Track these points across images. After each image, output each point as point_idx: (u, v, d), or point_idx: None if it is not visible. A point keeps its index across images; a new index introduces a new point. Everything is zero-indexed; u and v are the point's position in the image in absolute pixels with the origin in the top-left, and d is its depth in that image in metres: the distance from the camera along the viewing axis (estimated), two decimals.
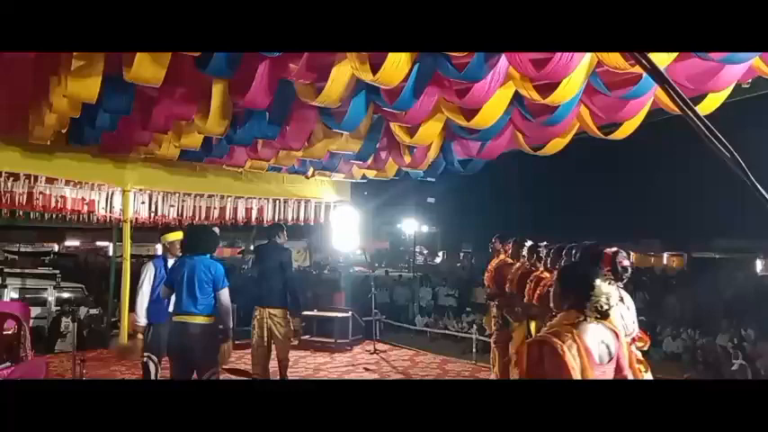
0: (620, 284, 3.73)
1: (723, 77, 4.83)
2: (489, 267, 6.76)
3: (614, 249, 3.81)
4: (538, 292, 5.06)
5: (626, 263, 3.79)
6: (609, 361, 2.57)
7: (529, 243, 5.98)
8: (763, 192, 1.33)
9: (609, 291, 2.60)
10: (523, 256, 6.00)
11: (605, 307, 2.55)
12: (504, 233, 6.87)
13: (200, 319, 4.80)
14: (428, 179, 9.59)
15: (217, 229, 6.00)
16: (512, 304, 5.87)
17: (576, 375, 2.39)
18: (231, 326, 4.97)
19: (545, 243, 5.68)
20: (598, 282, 2.59)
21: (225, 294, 4.87)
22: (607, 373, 2.56)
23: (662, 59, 4.04)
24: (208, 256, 5.01)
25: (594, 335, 2.52)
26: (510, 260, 6.42)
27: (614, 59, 4.21)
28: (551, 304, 2.78)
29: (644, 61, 1.34)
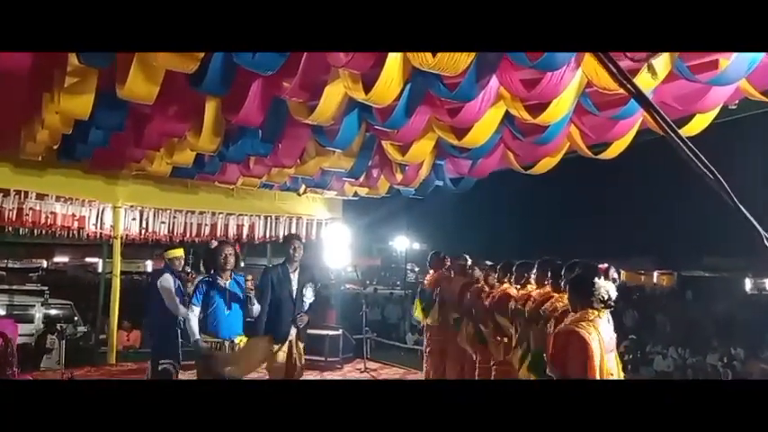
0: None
1: (710, 98, 4.90)
2: (428, 280, 7.20)
3: (606, 265, 4.21)
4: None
5: (615, 275, 4.38)
6: (612, 350, 3.25)
7: (469, 260, 6.64)
8: (747, 213, 1.35)
9: (607, 284, 3.26)
10: (470, 270, 6.53)
11: (606, 297, 3.20)
12: (438, 251, 7.44)
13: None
14: (419, 197, 9.61)
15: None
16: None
17: (596, 359, 2.97)
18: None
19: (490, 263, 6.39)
20: (596, 280, 3.26)
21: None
22: (612, 359, 3.26)
23: (648, 82, 4.11)
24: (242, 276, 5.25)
25: (605, 328, 3.19)
26: (447, 273, 6.93)
27: (604, 80, 4.26)
28: (570, 308, 3.49)
29: (628, 85, 1.37)
